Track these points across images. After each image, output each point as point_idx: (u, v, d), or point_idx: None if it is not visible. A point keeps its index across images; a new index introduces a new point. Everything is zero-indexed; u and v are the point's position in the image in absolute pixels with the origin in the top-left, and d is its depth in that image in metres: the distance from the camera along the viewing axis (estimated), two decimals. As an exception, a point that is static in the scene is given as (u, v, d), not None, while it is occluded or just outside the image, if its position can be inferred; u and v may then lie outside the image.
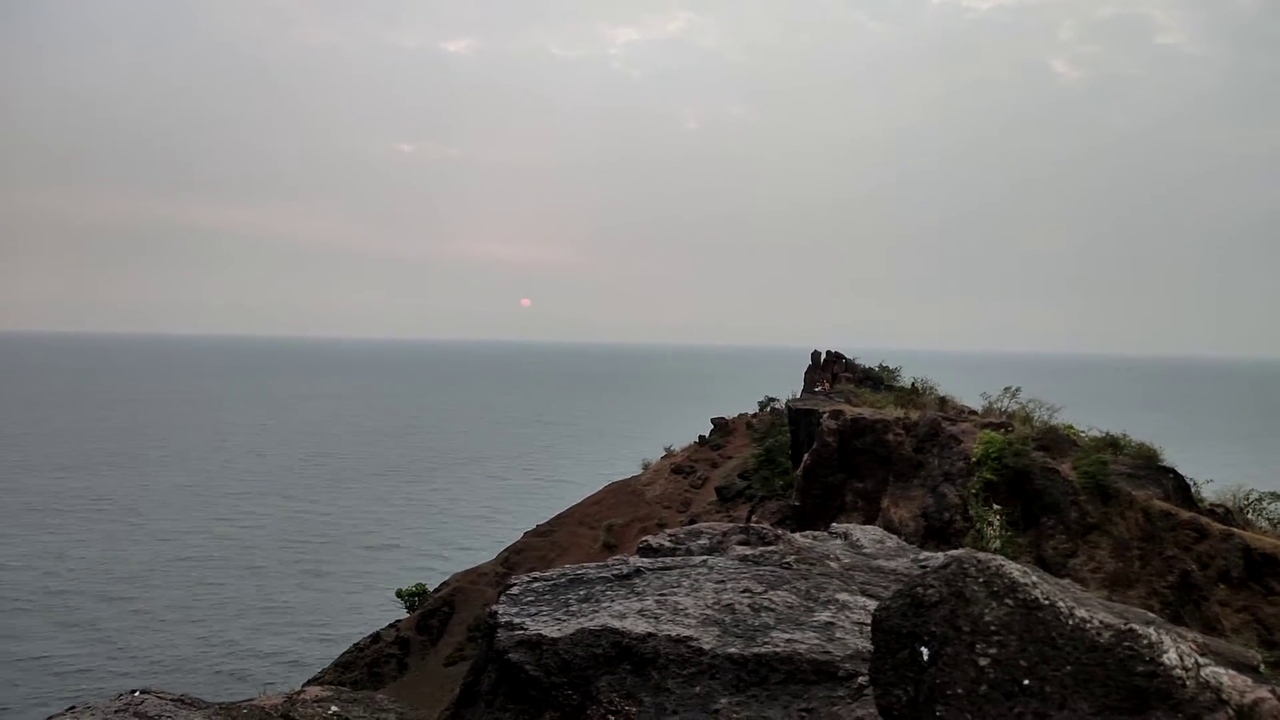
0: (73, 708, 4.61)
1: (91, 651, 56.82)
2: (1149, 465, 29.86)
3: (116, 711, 4.55)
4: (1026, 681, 3.07)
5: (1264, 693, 2.83)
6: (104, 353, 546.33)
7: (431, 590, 50.13)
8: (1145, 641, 2.94)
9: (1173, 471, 29.82)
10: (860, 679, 4.50)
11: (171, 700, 4.86)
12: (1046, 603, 3.16)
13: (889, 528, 29.27)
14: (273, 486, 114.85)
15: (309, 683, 31.05)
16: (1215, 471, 34.16)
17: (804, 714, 4.46)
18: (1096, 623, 3.04)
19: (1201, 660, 2.93)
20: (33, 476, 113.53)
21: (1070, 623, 3.07)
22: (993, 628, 3.19)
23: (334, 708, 5.43)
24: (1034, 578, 3.30)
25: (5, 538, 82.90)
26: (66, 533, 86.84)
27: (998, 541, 26.78)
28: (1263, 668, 4.79)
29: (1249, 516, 29.73)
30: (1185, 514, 27.55)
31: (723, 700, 4.64)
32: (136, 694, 4.83)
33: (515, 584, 6.30)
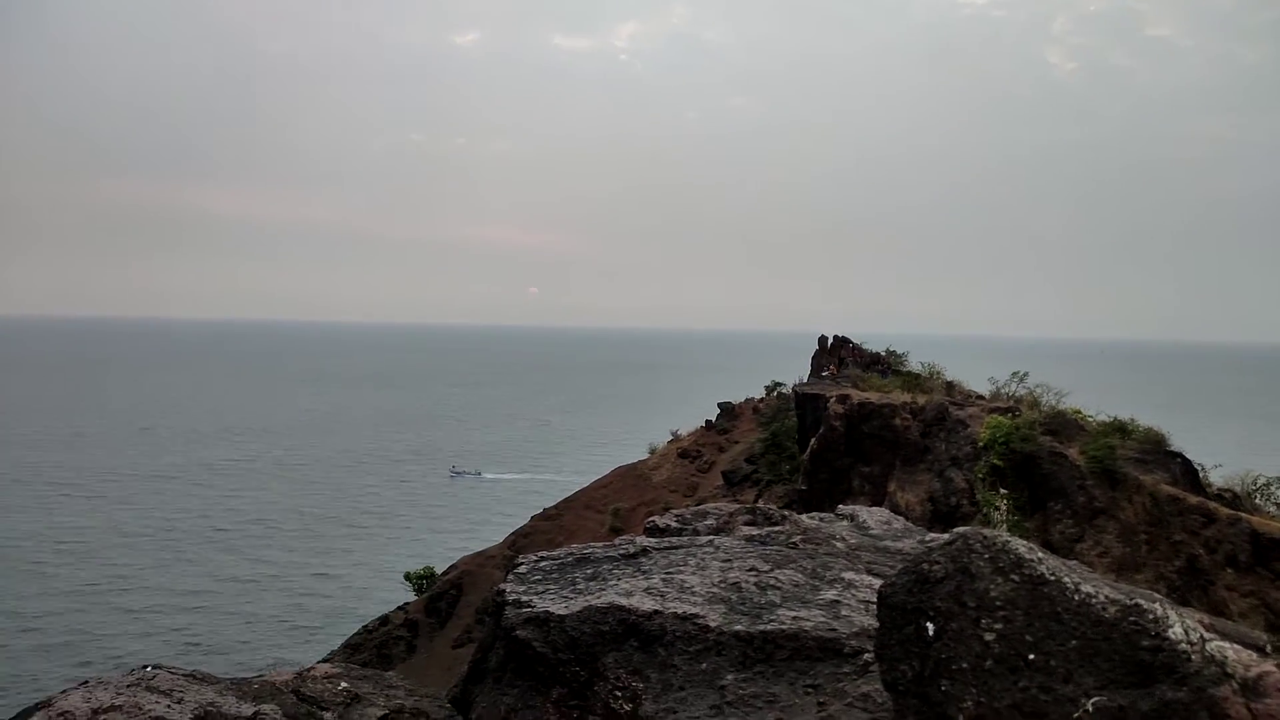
0: (85, 682, 4.66)
1: (102, 628, 57.34)
2: (1157, 450, 29.80)
3: (129, 686, 4.59)
4: (1032, 656, 3.09)
5: (1269, 666, 2.83)
6: (114, 338, 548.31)
7: (440, 573, 50.41)
8: (1150, 616, 2.95)
9: (1180, 456, 29.76)
10: (866, 655, 4.52)
11: (183, 675, 4.90)
12: (1052, 578, 3.17)
13: (895, 512, 29.31)
14: (283, 469, 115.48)
15: (320, 662, 31.26)
16: (1224, 456, 34.09)
17: (809, 690, 4.48)
18: (1102, 597, 3.05)
19: (1207, 635, 2.94)
20: (41, 453, 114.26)
21: (1076, 598, 3.08)
22: (998, 603, 3.20)
23: (344, 684, 5.48)
24: (1040, 553, 3.31)
25: (17, 512, 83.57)
26: (72, 512, 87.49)
27: (1005, 526, 26.81)
28: (1269, 648, 4.79)
29: (1257, 501, 29.68)
30: (1193, 499, 27.52)
31: (729, 676, 4.66)
32: (149, 669, 4.87)
33: (523, 563, 6.33)
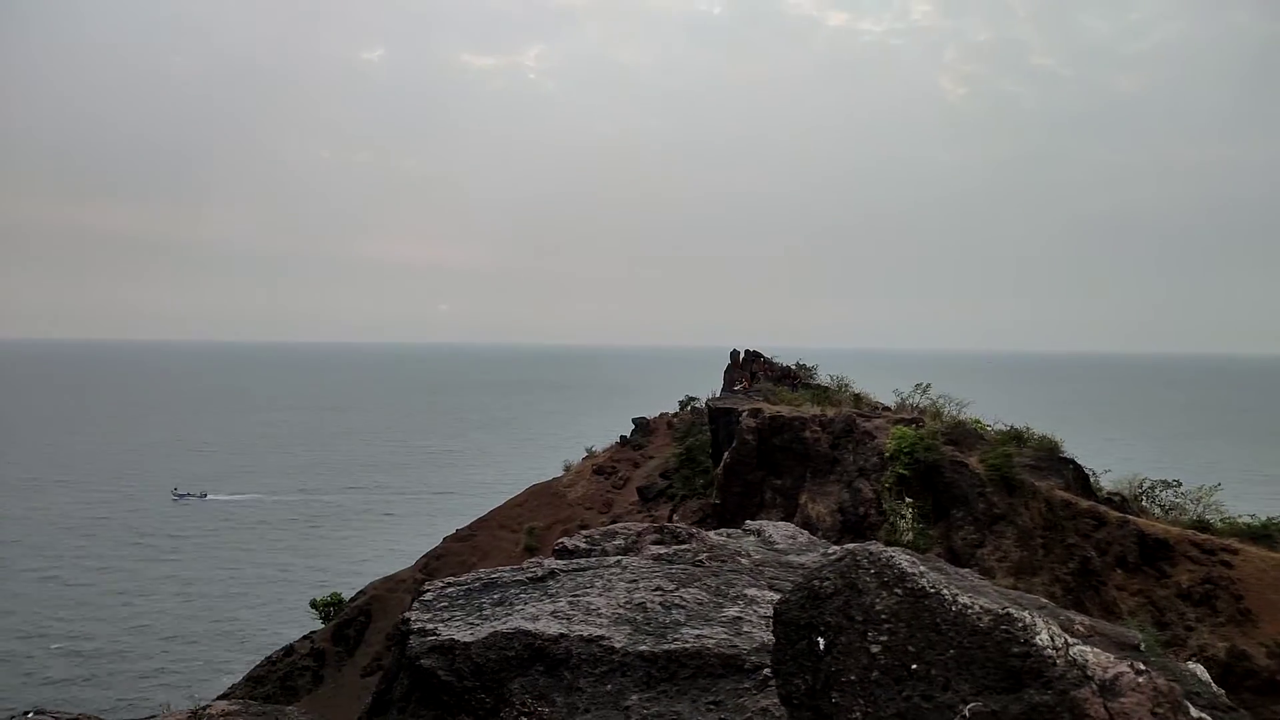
0: (-39, 732, 4.44)
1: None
2: (1051, 457, 31.15)
3: (8, 734, 4.40)
4: (914, 666, 3.24)
5: (1124, 667, 3.04)
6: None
7: (348, 600, 49.00)
8: (1020, 624, 3.13)
9: (1073, 462, 31.18)
10: (765, 671, 4.64)
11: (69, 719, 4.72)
12: (932, 591, 3.33)
13: (807, 523, 29.87)
14: (191, 495, 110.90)
15: (218, 699, 30.04)
16: (1116, 463, 35.79)
17: (711, 706, 4.58)
18: (977, 608, 3.22)
19: (1070, 640, 3.14)
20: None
21: (953, 609, 3.25)
22: (883, 616, 3.35)
23: (241, 721, 5.35)
24: (922, 567, 3.47)
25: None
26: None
27: (910, 534, 27.59)
28: (1143, 646, 5.09)
29: (1143, 504, 31.31)
30: (1085, 503, 28.85)
31: (633, 697, 4.73)
32: (30, 715, 4.67)
33: (429, 590, 6.29)
